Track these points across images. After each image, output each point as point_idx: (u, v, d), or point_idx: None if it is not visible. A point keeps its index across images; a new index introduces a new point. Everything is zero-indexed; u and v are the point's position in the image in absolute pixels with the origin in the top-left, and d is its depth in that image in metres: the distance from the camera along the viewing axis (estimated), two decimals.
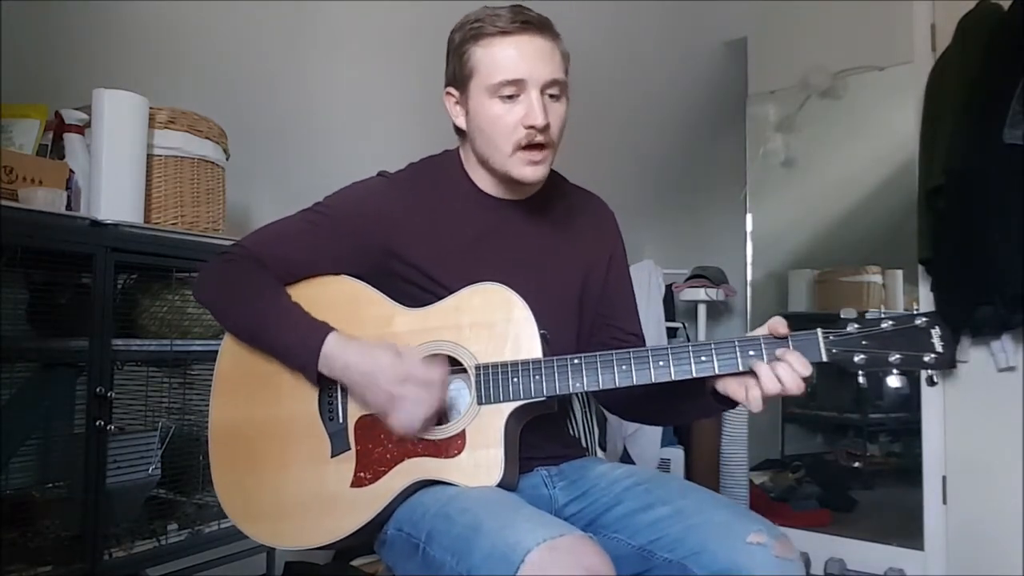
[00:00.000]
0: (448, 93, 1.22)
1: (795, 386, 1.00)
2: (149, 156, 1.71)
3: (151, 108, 1.70)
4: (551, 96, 1.15)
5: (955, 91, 2.46)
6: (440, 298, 1.15)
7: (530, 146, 1.14)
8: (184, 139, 1.77)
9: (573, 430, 1.36)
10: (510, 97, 1.13)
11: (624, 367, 1.06)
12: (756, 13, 3.35)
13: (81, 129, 1.65)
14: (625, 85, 3.27)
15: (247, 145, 2.08)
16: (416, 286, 1.18)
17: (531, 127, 1.12)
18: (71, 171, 1.60)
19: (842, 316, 1.03)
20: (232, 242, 1.25)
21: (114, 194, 1.62)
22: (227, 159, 1.91)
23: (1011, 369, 2.44)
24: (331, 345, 1.09)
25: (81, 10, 1.88)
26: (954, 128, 2.42)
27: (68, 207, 1.56)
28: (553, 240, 1.26)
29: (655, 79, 3.42)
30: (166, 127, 1.74)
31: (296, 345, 1.11)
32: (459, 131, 1.24)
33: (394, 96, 2.64)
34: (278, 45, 2.35)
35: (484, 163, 1.20)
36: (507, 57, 1.12)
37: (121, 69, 1.91)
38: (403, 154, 1.33)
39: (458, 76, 1.18)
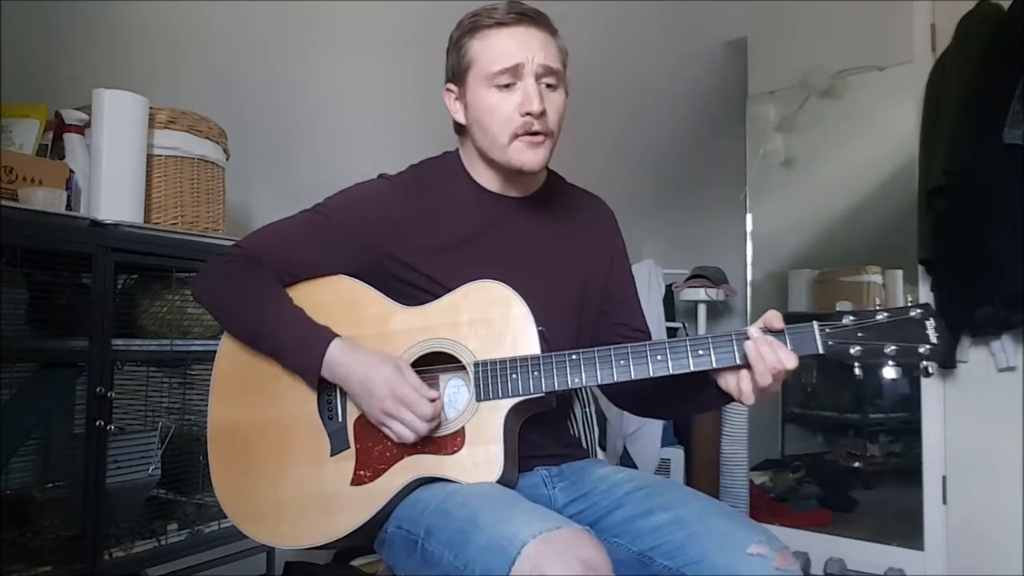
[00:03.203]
0: (448, 89, 1.23)
1: (775, 361, 1.00)
2: (149, 156, 1.71)
3: (151, 108, 1.71)
4: (548, 86, 1.16)
5: (955, 91, 2.46)
6: (434, 293, 1.15)
7: (527, 133, 1.15)
8: (184, 139, 1.77)
9: (574, 430, 1.36)
10: (507, 86, 1.14)
11: (622, 362, 1.06)
12: (756, 13, 3.35)
13: (81, 129, 1.65)
14: (625, 85, 3.27)
15: (247, 145, 2.08)
16: (415, 287, 1.18)
17: (528, 114, 1.13)
18: (71, 171, 1.60)
19: (838, 309, 1.04)
20: (232, 242, 1.25)
21: (114, 194, 1.62)
22: (227, 159, 1.91)
23: (1011, 369, 2.44)
24: (335, 351, 1.10)
25: (81, 10, 1.88)
26: (954, 128, 2.42)
27: (68, 207, 1.56)
28: (553, 237, 1.26)
29: (655, 79, 3.42)
30: (166, 127, 1.74)
31: (299, 349, 1.12)
32: (458, 128, 1.25)
33: (394, 96, 2.64)
34: (278, 45, 2.35)
35: (484, 156, 1.21)
36: (503, 47, 1.14)
37: (121, 69, 1.91)
38: (402, 154, 1.34)
39: (456, 71, 1.20)
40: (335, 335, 1.11)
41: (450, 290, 1.15)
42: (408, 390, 1.06)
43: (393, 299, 1.16)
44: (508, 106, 1.14)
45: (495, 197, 1.24)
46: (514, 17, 1.14)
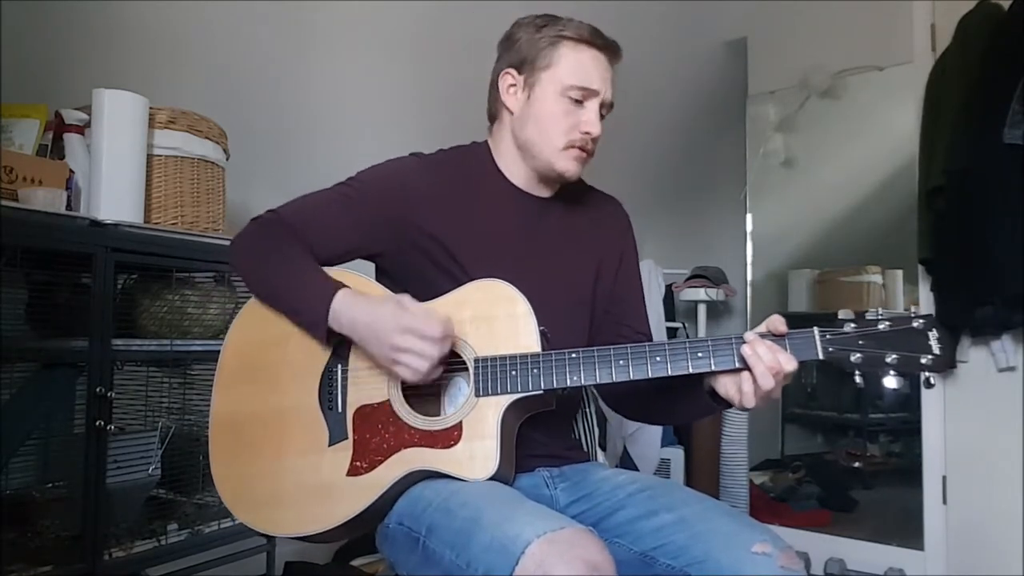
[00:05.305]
0: (507, 74, 1.25)
1: (772, 361, 1.01)
2: (149, 156, 1.71)
3: (151, 108, 1.71)
4: (602, 115, 1.24)
5: (955, 91, 2.46)
6: (454, 276, 1.18)
7: (579, 147, 1.22)
8: (184, 139, 1.77)
9: (576, 432, 1.36)
10: (577, 101, 1.20)
11: (622, 362, 1.07)
12: (756, 13, 3.35)
13: (81, 129, 1.65)
14: (625, 85, 3.25)
15: (247, 145, 2.08)
16: (432, 262, 1.20)
17: (587, 133, 1.21)
18: (71, 171, 1.61)
19: (840, 316, 1.04)
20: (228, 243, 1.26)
21: (114, 194, 1.62)
22: (227, 159, 1.91)
23: (1011, 369, 2.44)
24: (340, 301, 1.11)
25: (81, 10, 1.88)
26: (954, 128, 2.42)
27: (68, 207, 1.56)
28: (569, 238, 1.29)
29: (655, 79, 3.41)
30: (166, 127, 1.74)
31: (308, 301, 1.14)
32: (494, 117, 1.29)
33: (394, 96, 2.64)
34: (278, 45, 2.35)
35: (526, 150, 1.24)
36: (587, 66, 1.21)
37: (121, 69, 1.91)
38: (402, 154, 1.33)
39: (531, 62, 1.22)
40: (341, 285, 1.13)
41: (466, 269, 1.18)
42: (412, 319, 1.07)
43: (406, 281, 1.18)
44: (573, 119, 1.21)
45: (520, 194, 1.27)
46: (603, 43, 1.22)
